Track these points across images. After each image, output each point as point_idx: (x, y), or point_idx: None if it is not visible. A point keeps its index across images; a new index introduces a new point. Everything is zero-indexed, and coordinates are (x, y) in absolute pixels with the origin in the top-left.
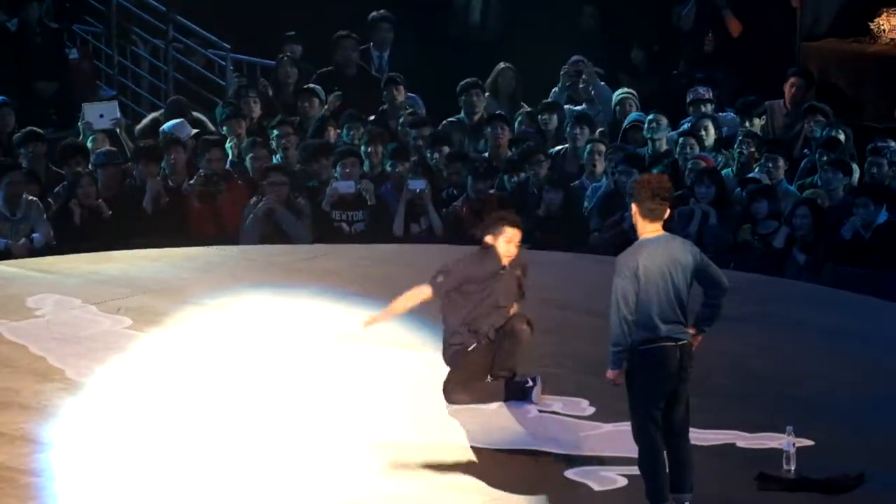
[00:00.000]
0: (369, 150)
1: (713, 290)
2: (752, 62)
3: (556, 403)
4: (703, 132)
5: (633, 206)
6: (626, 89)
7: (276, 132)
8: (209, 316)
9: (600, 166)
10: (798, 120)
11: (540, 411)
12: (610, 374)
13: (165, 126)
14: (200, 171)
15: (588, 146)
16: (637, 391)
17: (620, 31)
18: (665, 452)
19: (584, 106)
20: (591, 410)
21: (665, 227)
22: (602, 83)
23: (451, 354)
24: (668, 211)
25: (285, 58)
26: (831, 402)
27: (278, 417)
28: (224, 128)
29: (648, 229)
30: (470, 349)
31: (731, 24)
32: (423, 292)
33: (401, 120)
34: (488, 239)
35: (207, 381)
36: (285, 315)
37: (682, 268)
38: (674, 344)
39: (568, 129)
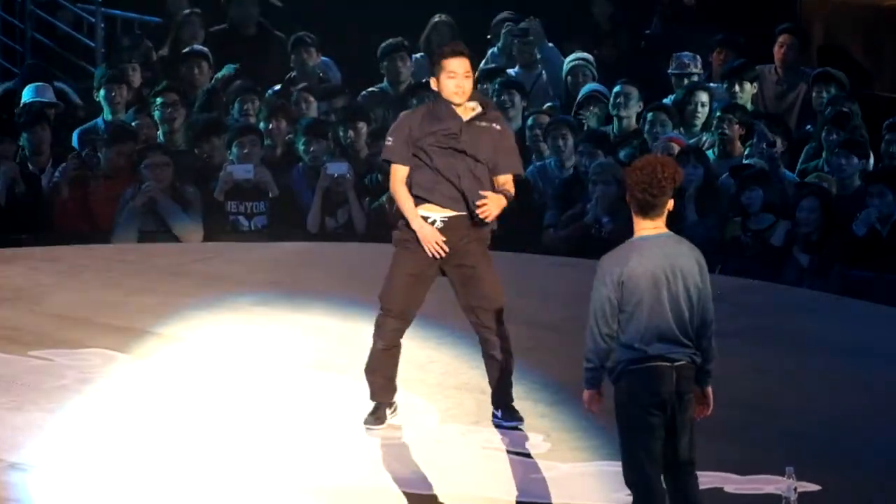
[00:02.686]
0: (270, 126)
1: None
2: (742, 18)
3: (503, 438)
4: (699, 109)
5: (628, 197)
6: (579, 54)
7: (159, 100)
8: (73, 331)
9: (549, 144)
10: (792, 88)
11: (482, 448)
12: (585, 395)
13: (25, 94)
14: (76, 152)
15: (530, 119)
16: (624, 423)
17: None
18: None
19: (517, 69)
20: (545, 447)
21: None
22: (551, 44)
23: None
24: (671, 202)
25: (193, 14)
26: (841, 435)
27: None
28: (101, 91)
29: (644, 226)
30: (402, 244)
31: None
32: (396, 173)
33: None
34: (433, 84)
35: (72, 409)
36: (166, 330)
37: (685, 276)
38: (668, 364)
39: (494, 97)
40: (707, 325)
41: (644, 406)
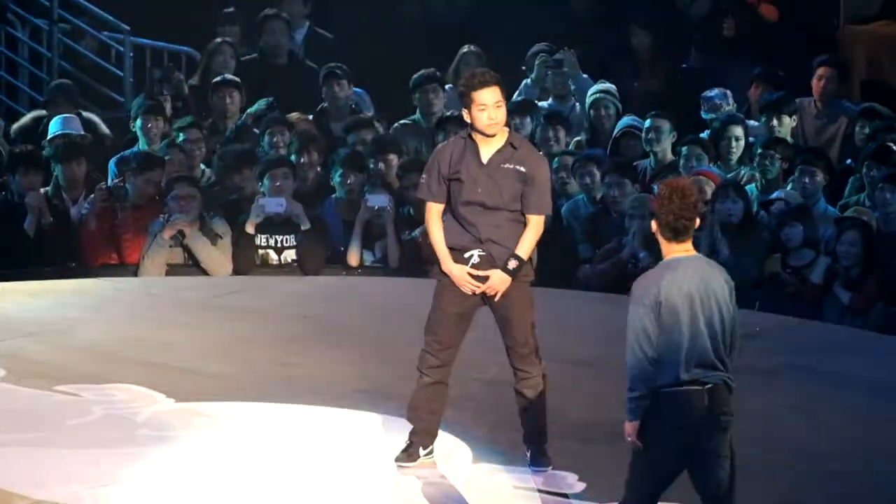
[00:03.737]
0: (302, 159)
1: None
2: (781, 50)
3: (536, 478)
4: (733, 143)
5: (654, 224)
6: (602, 86)
7: (182, 136)
8: (100, 366)
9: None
10: (832, 122)
11: (515, 487)
12: (628, 427)
13: (52, 126)
14: (104, 183)
15: (555, 161)
16: (644, 450)
17: (617, 10)
18: None
19: (550, 101)
20: (579, 487)
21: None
22: (585, 76)
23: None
24: (698, 223)
25: (224, 43)
26: (883, 479)
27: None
28: (138, 122)
29: (675, 250)
30: (440, 280)
31: (765, 9)
32: (430, 211)
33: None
34: (465, 117)
35: (101, 450)
36: (193, 365)
37: (717, 297)
38: (699, 388)
39: (539, 131)
40: (734, 348)
41: (670, 428)
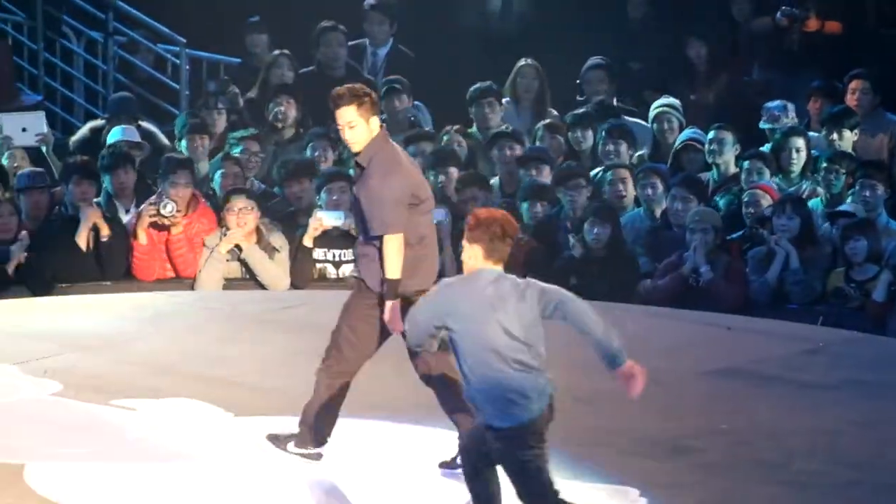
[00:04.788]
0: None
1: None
2: (843, 63)
3: (598, 493)
4: (794, 155)
5: (477, 247)
6: (665, 100)
7: (238, 148)
8: (157, 380)
9: (629, 194)
10: (873, 135)
11: None
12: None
13: (111, 136)
14: (154, 197)
15: (609, 174)
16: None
17: (675, 22)
18: None
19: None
20: (641, 502)
21: (735, 271)
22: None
23: None
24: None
25: (282, 56)
26: None
27: None
28: (183, 142)
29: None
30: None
31: (829, 25)
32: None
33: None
34: None
35: (159, 464)
36: (251, 379)
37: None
38: None
39: (601, 144)
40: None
41: None
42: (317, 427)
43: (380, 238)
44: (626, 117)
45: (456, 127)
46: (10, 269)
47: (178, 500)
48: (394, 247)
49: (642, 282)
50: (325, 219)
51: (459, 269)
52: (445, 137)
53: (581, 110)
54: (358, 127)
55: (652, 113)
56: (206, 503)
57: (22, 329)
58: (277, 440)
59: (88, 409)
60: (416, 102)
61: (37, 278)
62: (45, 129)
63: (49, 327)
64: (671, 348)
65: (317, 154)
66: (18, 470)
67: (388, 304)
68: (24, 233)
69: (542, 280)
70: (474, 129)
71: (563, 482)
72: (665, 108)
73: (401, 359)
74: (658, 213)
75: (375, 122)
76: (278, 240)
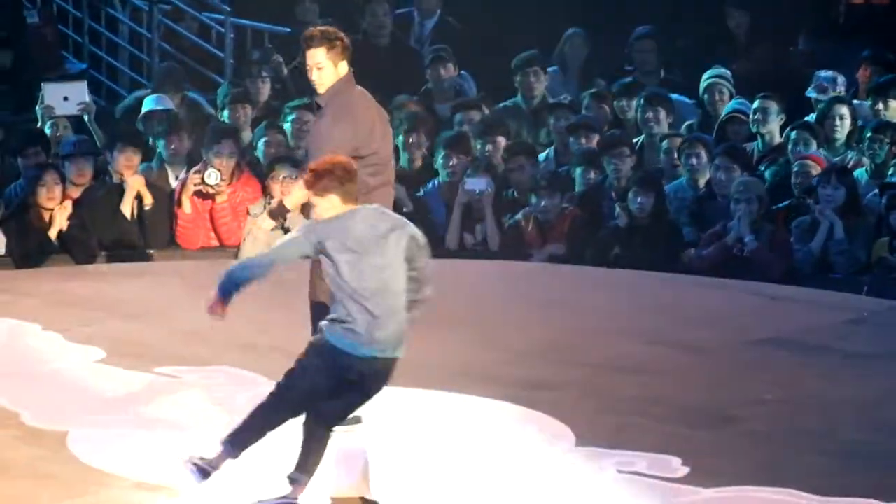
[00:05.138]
0: (410, 139)
1: None
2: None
3: (640, 462)
4: (838, 122)
5: (328, 197)
6: (716, 70)
7: (292, 116)
8: (200, 348)
9: (683, 162)
10: None
11: (619, 471)
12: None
13: (146, 104)
14: (198, 166)
15: (664, 142)
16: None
17: None
18: None
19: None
20: (683, 471)
21: (779, 241)
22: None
23: None
24: None
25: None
26: None
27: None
28: (225, 111)
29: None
30: None
31: None
32: None
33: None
34: None
35: (201, 431)
36: (295, 347)
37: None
38: None
39: (639, 113)
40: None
41: None
42: None
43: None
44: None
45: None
46: (54, 236)
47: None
48: None
49: (686, 251)
50: None
51: (502, 239)
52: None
53: (627, 80)
54: (325, 69)
55: (703, 84)
56: (247, 470)
57: (66, 296)
58: None
59: (131, 376)
60: (461, 72)
61: (80, 246)
62: (87, 98)
63: (93, 295)
64: (715, 318)
65: None
66: (62, 437)
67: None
68: (67, 201)
69: (586, 250)
70: (519, 98)
71: (603, 451)
72: (716, 79)
73: (428, 328)
74: (702, 182)
75: (344, 66)
76: None
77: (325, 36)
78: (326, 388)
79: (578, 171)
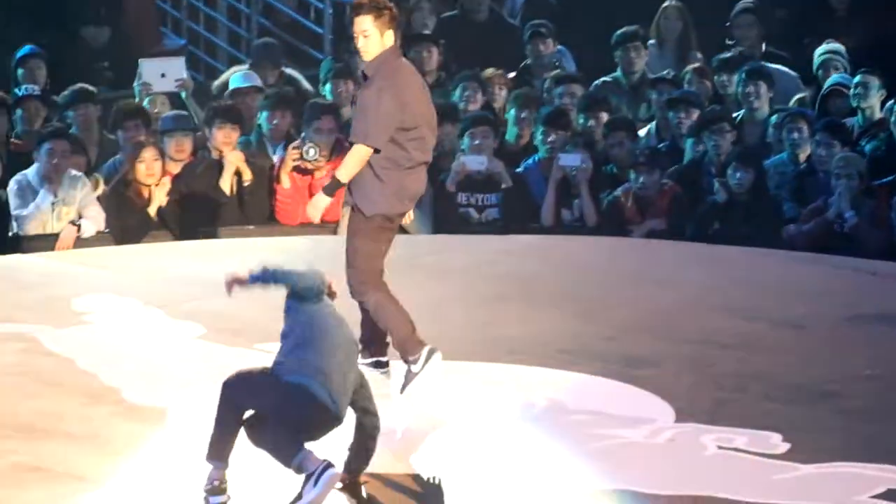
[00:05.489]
0: (522, 115)
1: None
2: None
3: (739, 438)
4: None
5: None
6: (830, 46)
7: None
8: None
9: (784, 136)
10: None
11: (719, 447)
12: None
13: (232, 81)
14: (297, 141)
15: (774, 116)
16: None
17: None
18: None
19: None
20: (784, 447)
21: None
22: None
23: None
24: None
25: (423, 1)
26: None
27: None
28: (327, 86)
29: None
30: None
31: None
32: None
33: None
34: None
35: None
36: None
37: None
38: None
39: (740, 87)
40: None
41: None
42: (410, 337)
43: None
44: (775, 65)
45: (498, 71)
46: (153, 212)
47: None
48: (359, 156)
49: (786, 227)
50: (468, 163)
51: (601, 215)
52: (461, 86)
53: (727, 54)
54: (372, 37)
55: (816, 60)
56: (345, 445)
57: (166, 273)
58: (407, 377)
59: (230, 352)
60: (559, 47)
61: (180, 222)
62: (184, 74)
63: (192, 271)
64: (815, 294)
65: (466, 94)
66: (161, 413)
67: (321, 196)
68: (167, 177)
69: (685, 225)
70: (618, 73)
71: (703, 427)
72: (830, 55)
73: (527, 304)
74: (803, 157)
75: (390, 36)
76: None
77: (374, 4)
78: None
79: (689, 142)
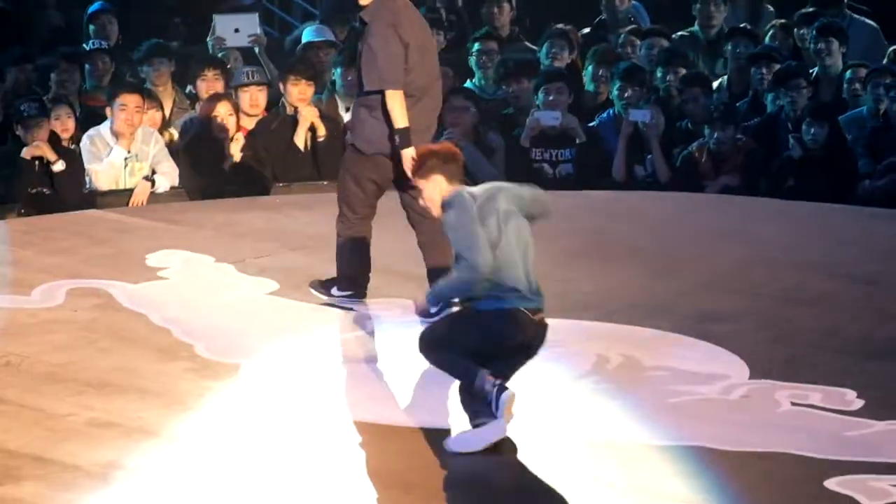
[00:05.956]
0: (599, 71)
1: None
2: None
3: (814, 394)
4: None
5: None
6: None
7: (477, 46)
8: (376, 279)
9: (869, 91)
10: None
11: (793, 404)
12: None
13: (304, 36)
14: None
15: (849, 72)
16: None
17: None
18: None
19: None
20: (858, 404)
21: None
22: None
23: None
24: None
25: None
26: None
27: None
28: None
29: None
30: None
31: None
32: None
33: (620, 38)
34: None
35: (372, 364)
36: None
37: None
38: None
39: (811, 44)
40: None
41: None
42: (351, 275)
43: (373, 95)
44: (856, 15)
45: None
46: (227, 167)
47: (388, 398)
48: (395, 101)
49: (862, 182)
50: (542, 119)
51: (675, 171)
52: (548, 42)
53: (808, 9)
54: None
55: None
56: (418, 404)
57: (239, 228)
58: (321, 287)
59: (304, 308)
60: (634, 2)
61: (254, 177)
62: (258, 30)
63: (266, 226)
64: (890, 249)
65: (553, 51)
66: (235, 368)
67: (405, 153)
68: (241, 132)
69: (760, 181)
70: (696, 27)
71: (777, 383)
72: None
73: (602, 260)
74: (882, 113)
75: None
76: (495, 140)
77: None
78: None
79: (770, 97)
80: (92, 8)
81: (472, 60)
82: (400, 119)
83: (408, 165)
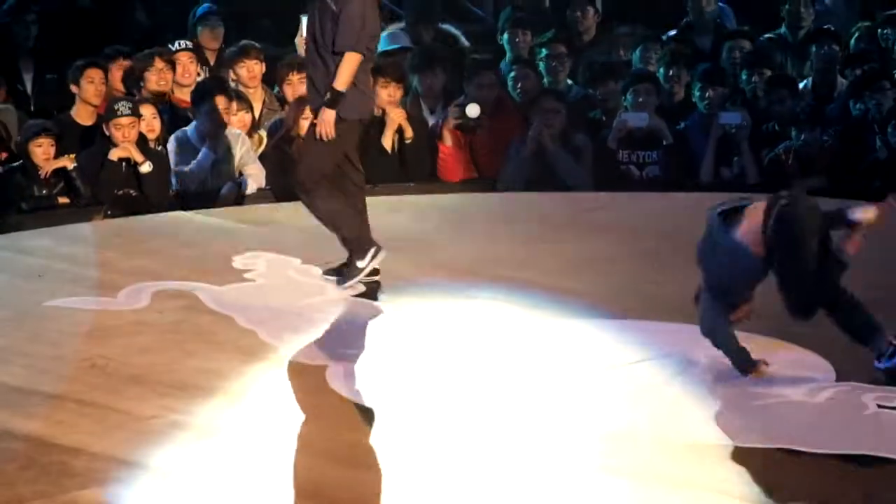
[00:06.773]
0: (670, 72)
1: None
2: None
3: (865, 394)
4: None
5: None
6: None
7: (544, 51)
8: (461, 281)
9: None
10: None
11: (880, 406)
12: None
13: (381, 44)
14: (460, 99)
15: None
16: None
17: None
18: None
19: None
20: None
21: None
22: None
23: None
24: None
25: None
26: None
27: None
28: (505, 35)
29: None
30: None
31: None
32: None
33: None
34: None
35: (455, 365)
36: (552, 280)
37: None
38: None
39: (892, 43)
40: None
41: None
42: (360, 236)
43: (332, 55)
44: None
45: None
46: None
47: (466, 398)
48: (352, 63)
49: None
50: (630, 120)
51: (761, 173)
52: (641, 46)
53: (893, 11)
54: None
55: None
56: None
57: (326, 230)
58: (342, 274)
59: (389, 310)
60: (720, 4)
61: None
62: None
63: None
64: None
65: (647, 55)
66: (321, 371)
67: (327, 111)
68: None
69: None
70: (783, 29)
71: (864, 385)
72: None
73: (686, 261)
74: None
75: None
76: (582, 141)
77: None
78: None
79: (850, 102)
80: (201, 9)
81: (542, 66)
82: (344, 82)
83: (327, 128)
